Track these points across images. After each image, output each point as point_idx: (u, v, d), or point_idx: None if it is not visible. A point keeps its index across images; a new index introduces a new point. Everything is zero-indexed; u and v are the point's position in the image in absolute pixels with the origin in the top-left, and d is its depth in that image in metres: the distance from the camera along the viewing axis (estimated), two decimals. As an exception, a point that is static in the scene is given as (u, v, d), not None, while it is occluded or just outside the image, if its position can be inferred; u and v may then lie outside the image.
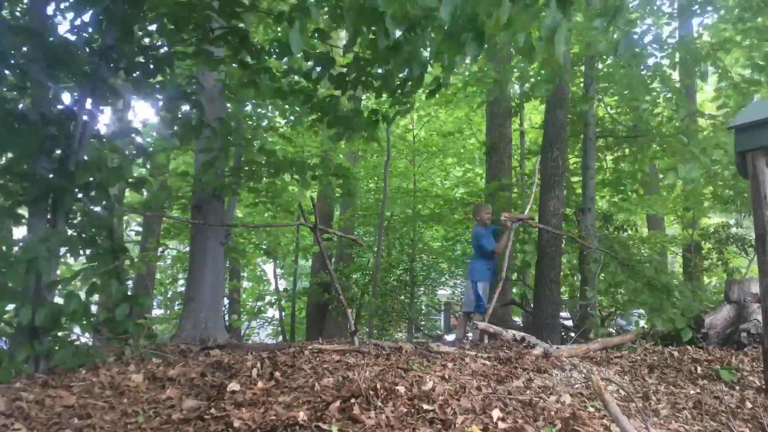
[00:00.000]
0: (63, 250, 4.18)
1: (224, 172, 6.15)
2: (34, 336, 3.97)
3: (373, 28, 3.66)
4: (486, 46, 3.55)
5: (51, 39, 4.33)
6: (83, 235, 4.33)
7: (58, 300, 4.22)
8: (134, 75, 4.77)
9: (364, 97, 7.71)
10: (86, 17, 4.55)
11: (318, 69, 5.03)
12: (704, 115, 9.00)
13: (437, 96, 5.90)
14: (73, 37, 4.60)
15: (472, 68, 8.48)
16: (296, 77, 5.71)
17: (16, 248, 3.95)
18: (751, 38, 8.37)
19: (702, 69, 8.28)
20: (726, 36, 8.99)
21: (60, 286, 4.22)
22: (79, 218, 4.41)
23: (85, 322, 4.13)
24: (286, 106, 7.37)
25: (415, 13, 3.52)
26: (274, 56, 5.13)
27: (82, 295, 4.20)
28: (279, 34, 6.88)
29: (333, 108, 5.50)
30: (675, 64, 8.58)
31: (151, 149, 6.07)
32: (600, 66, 8.05)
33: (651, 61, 8.34)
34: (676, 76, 9.07)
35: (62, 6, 4.80)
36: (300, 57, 5.35)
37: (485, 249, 6.63)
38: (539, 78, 7.19)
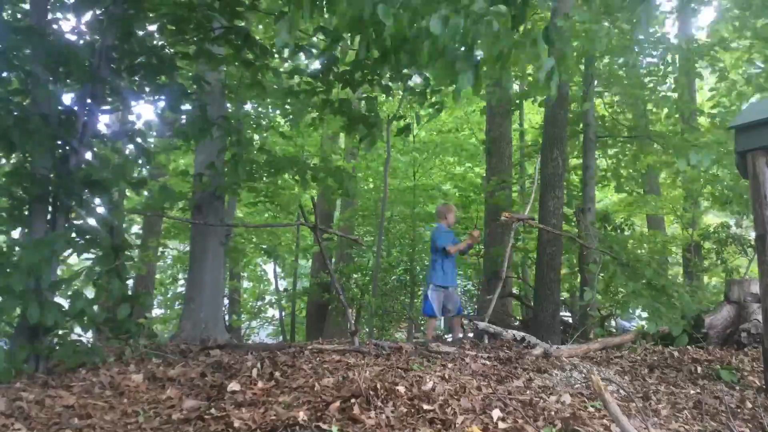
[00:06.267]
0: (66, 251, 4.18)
1: (244, 169, 6.07)
2: (34, 336, 3.97)
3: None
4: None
5: (51, 39, 4.33)
6: (85, 237, 4.32)
7: (58, 299, 4.22)
8: (138, 76, 4.76)
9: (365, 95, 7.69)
10: (87, 17, 4.55)
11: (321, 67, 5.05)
12: (704, 113, 8.99)
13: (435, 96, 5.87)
14: (73, 38, 4.59)
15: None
16: (303, 77, 5.71)
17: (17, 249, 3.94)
18: (752, 30, 8.32)
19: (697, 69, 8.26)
20: (723, 36, 8.97)
21: (63, 287, 4.21)
22: (80, 219, 4.40)
23: (87, 322, 4.13)
24: (287, 106, 7.34)
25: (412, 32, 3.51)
26: (277, 55, 5.13)
27: (88, 293, 4.20)
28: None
29: (348, 108, 5.49)
30: (672, 62, 8.55)
31: (153, 146, 6.05)
32: (599, 65, 8.03)
33: (648, 60, 8.34)
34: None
35: (63, 6, 4.80)
36: (301, 55, 5.35)
37: (439, 247, 6.32)
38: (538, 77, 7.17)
